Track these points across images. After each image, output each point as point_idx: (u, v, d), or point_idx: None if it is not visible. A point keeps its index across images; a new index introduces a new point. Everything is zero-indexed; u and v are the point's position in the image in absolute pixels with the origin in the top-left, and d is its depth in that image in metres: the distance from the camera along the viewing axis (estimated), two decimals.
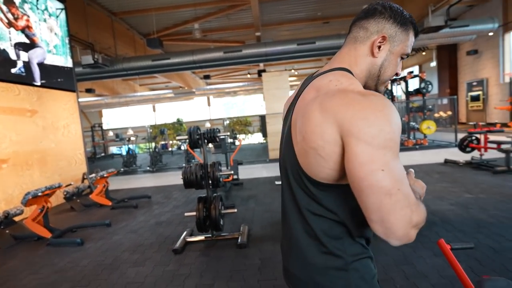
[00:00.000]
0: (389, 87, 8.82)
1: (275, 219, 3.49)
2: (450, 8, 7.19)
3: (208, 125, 14.23)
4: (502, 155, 4.68)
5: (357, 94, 0.64)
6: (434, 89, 12.20)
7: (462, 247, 1.38)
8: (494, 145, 4.77)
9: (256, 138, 15.64)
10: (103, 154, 13.97)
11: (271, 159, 8.16)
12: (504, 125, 9.25)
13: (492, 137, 5.11)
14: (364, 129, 0.59)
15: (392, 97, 8.86)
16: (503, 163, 4.63)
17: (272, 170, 6.68)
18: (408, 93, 8.38)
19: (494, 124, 9.56)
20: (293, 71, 16.10)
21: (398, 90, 10.39)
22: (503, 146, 4.61)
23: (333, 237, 0.72)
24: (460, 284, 1.87)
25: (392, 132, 0.60)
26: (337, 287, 0.72)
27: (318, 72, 0.79)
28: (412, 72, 10.71)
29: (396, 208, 0.57)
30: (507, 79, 9.80)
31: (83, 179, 5.72)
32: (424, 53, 13.40)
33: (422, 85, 8.04)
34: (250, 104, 25.58)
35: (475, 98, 11.40)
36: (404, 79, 8.31)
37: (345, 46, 0.79)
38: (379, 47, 0.74)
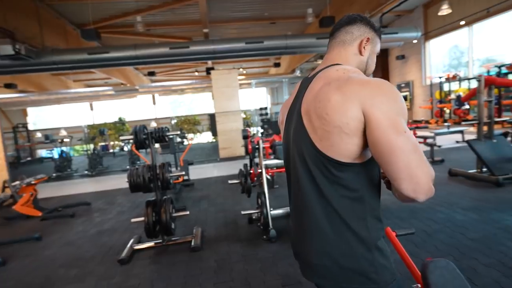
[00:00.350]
0: None
1: (228, 219, 3.44)
2: (382, 16, 7.92)
3: (154, 124, 13.49)
4: (428, 148, 5.31)
5: (367, 77, 0.77)
6: None
7: (406, 233, 1.50)
8: (421, 140, 5.38)
9: (205, 137, 15.34)
10: (29, 159, 12.31)
11: (222, 158, 8.07)
12: (427, 122, 10.54)
13: (419, 133, 5.77)
14: (383, 101, 0.71)
15: None
16: (428, 155, 5.26)
17: (223, 169, 6.60)
18: None
19: (420, 121, 10.82)
20: (241, 69, 16.15)
21: None
22: (428, 141, 5.23)
23: (357, 218, 0.78)
24: (403, 267, 2.05)
25: (403, 103, 0.74)
26: (362, 268, 0.77)
27: (315, 71, 0.89)
28: None
29: (421, 162, 0.68)
30: (428, 82, 11.19)
31: (4, 187, 4.94)
32: None
33: None
34: (198, 103, 24.97)
35: (403, 98, 12.80)
36: None
37: (334, 48, 0.91)
38: (364, 47, 0.89)
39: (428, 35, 10.80)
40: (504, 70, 8.02)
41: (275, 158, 2.91)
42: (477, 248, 2.24)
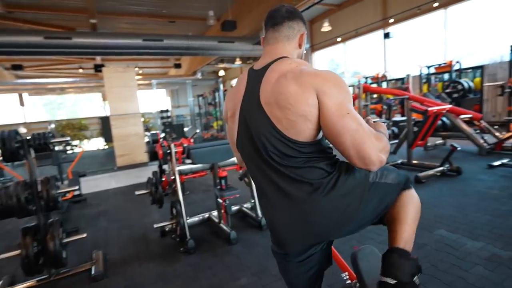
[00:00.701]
0: None
1: (136, 235, 3.02)
2: None
3: (23, 130, 10.89)
4: None
5: (318, 70, 0.87)
6: None
7: None
8: None
9: (95, 144, 13.40)
10: None
11: (120, 166, 7.15)
12: None
13: None
14: (332, 88, 0.83)
15: None
16: None
17: (123, 179, 5.84)
18: None
19: None
20: (137, 69, 14.80)
21: None
22: None
23: (324, 165, 0.91)
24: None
25: (347, 88, 0.85)
26: (347, 188, 0.90)
27: (265, 63, 0.94)
28: None
29: (364, 138, 0.79)
30: None
31: None
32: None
33: None
34: (84, 104, 21.56)
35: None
36: None
37: (278, 42, 0.98)
38: (302, 41, 1.01)
39: (314, 47, 12.37)
40: (369, 80, 9.90)
41: (190, 163, 2.71)
42: (372, 229, 2.62)
